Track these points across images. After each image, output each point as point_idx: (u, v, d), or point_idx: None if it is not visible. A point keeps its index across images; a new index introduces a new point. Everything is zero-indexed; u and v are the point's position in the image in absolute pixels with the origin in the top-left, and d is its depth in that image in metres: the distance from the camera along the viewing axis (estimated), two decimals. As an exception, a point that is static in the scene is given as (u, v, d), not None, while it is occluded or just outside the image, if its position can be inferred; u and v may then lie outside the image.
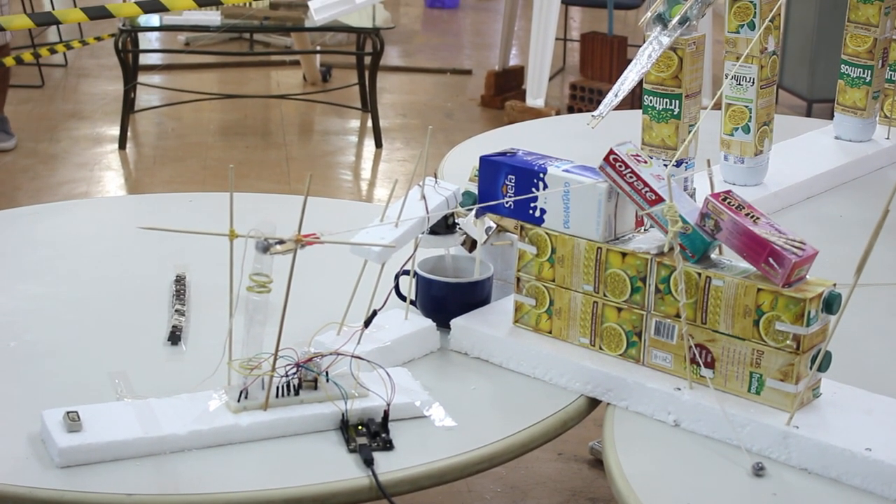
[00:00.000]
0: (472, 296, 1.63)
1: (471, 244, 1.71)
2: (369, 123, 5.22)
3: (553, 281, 1.53)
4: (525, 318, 1.57)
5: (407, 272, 1.64)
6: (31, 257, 1.88)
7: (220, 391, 1.39)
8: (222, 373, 1.39)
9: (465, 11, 8.31)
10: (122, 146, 4.99)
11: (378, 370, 1.41)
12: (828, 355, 1.36)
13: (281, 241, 1.32)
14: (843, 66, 2.38)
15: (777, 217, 1.61)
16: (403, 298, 1.62)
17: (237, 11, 5.02)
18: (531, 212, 1.52)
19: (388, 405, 1.38)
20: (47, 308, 1.69)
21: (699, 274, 1.40)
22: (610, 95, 1.70)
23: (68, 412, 1.32)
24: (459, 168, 2.15)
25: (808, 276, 1.36)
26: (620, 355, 1.49)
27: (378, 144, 5.15)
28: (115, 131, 5.09)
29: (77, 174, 4.67)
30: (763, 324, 1.36)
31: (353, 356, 1.42)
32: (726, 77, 2.05)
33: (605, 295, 1.49)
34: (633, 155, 1.44)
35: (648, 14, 1.79)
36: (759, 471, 1.31)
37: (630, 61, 1.78)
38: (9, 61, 4.55)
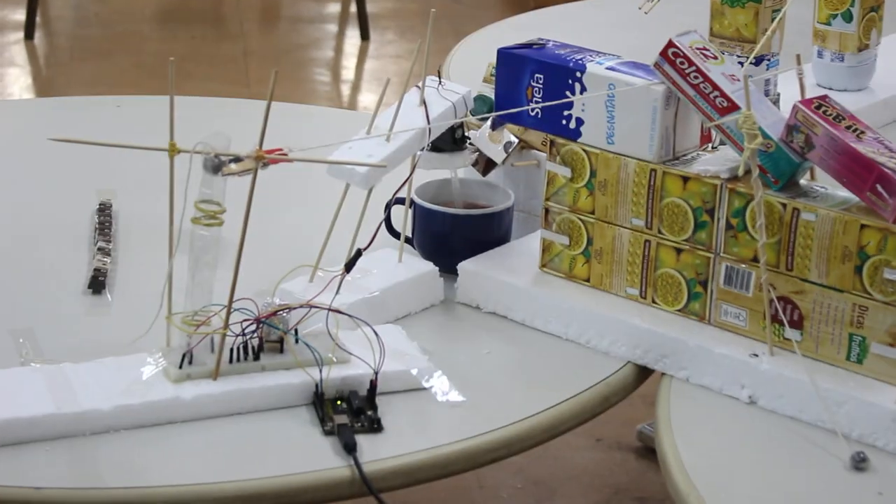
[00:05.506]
0: (485, 232, 1.64)
1: (485, 165, 1.71)
2: (353, 8, 5.21)
3: (592, 213, 1.53)
4: (555, 262, 1.57)
5: (402, 200, 1.63)
6: None
7: (156, 354, 1.39)
8: (159, 330, 1.39)
9: None
10: (29, 35, 4.98)
11: (363, 328, 1.41)
12: (952, 313, 1.36)
13: (237, 159, 1.32)
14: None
15: (887, 132, 1.60)
16: (397, 235, 1.63)
17: None
18: (564, 122, 1.52)
19: (376, 374, 1.38)
20: (-69, 245, 1.70)
21: (784, 205, 1.40)
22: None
23: (-42, 380, 1.32)
24: (470, 65, 2.15)
25: (927, 209, 1.36)
26: (679, 311, 1.49)
27: (364, 36, 5.14)
28: (21, 16, 5.08)
29: (-29, 71, 4.68)
30: (867, 270, 1.36)
31: (330, 309, 1.42)
32: (823, -53, 2.03)
33: (660, 232, 1.49)
34: (698, 49, 1.44)
35: None
36: (859, 463, 1.31)
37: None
38: None
